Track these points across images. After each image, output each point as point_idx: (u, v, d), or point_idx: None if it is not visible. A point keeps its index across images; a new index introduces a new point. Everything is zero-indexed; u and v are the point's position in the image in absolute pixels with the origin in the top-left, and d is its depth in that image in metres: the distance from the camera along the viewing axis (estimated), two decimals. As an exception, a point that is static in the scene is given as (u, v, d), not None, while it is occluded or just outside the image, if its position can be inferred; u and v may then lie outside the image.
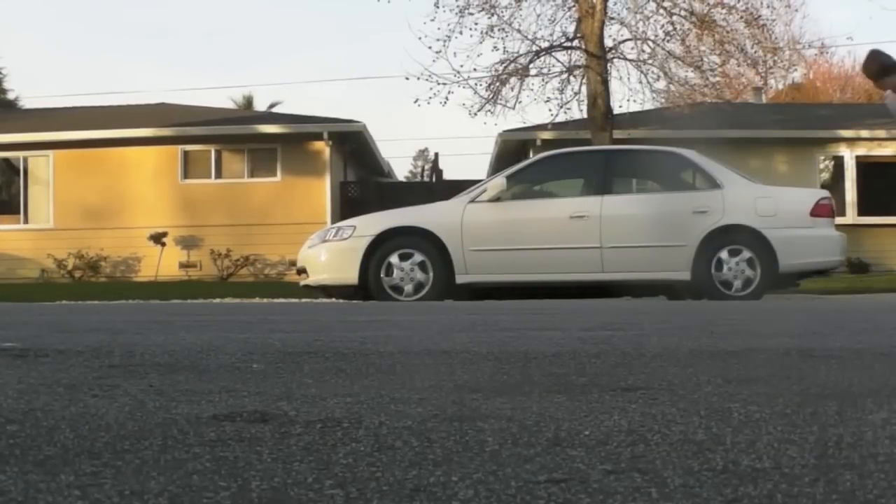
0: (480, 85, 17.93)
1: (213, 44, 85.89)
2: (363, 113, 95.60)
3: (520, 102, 18.59)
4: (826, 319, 5.14)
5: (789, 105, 30.04)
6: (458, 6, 17.62)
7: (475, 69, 18.95)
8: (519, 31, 18.01)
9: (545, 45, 18.17)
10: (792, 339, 3.58)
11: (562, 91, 18.12)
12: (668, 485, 1.23)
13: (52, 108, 25.71)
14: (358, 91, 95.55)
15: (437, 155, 26.52)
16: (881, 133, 20.69)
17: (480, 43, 17.90)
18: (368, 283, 9.07)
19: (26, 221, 20.85)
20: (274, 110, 36.43)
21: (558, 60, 18.36)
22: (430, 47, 17.74)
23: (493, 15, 17.79)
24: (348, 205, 20.83)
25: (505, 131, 20.28)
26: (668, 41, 18.00)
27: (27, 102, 37.13)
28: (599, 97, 17.15)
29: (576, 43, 18.15)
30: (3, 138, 20.79)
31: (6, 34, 65.24)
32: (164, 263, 19.67)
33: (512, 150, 21.18)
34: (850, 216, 19.52)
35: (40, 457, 1.41)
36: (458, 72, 17.72)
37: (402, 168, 59.41)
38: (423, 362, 2.76)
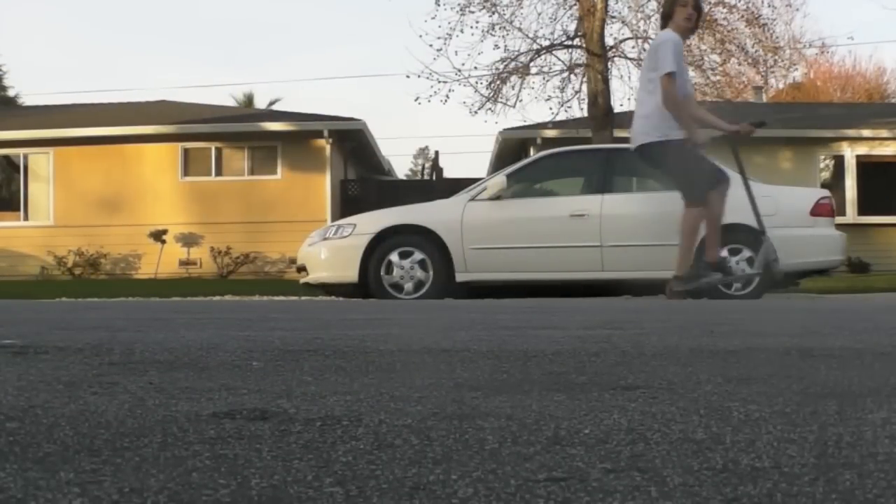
0: (481, 83, 17.97)
1: (215, 42, 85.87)
2: (363, 111, 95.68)
3: (520, 101, 18.66)
4: (826, 319, 5.14)
5: (790, 104, 30.03)
6: (459, 4, 17.65)
7: (476, 67, 18.96)
8: (520, 29, 18.03)
9: (546, 43, 18.19)
10: (792, 338, 3.58)
11: (562, 89, 18.15)
12: (667, 483, 1.23)
13: (53, 105, 25.76)
14: (358, 89, 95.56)
15: (437, 153, 26.55)
16: (883, 132, 20.69)
17: (481, 41, 17.97)
18: (368, 282, 9.07)
19: (26, 218, 20.86)
20: (274, 108, 36.45)
21: (559, 59, 18.39)
22: (430, 45, 17.81)
23: (494, 13, 17.82)
24: (348, 203, 20.85)
25: (505, 130, 20.29)
26: (668, 40, 17.97)
27: (27, 99, 37.24)
28: (600, 96, 17.15)
29: (577, 41, 18.15)
30: (3, 135, 20.79)
31: (6, 31, 65.23)
32: (165, 261, 19.69)
33: (512, 148, 21.20)
34: (851, 215, 19.53)
35: (40, 454, 1.41)
36: (459, 70, 17.76)
37: (402, 166, 59.54)
38: (422, 360, 2.76)
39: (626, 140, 14.78)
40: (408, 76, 18.20)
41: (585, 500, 1.15)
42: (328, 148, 20.70)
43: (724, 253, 8.38)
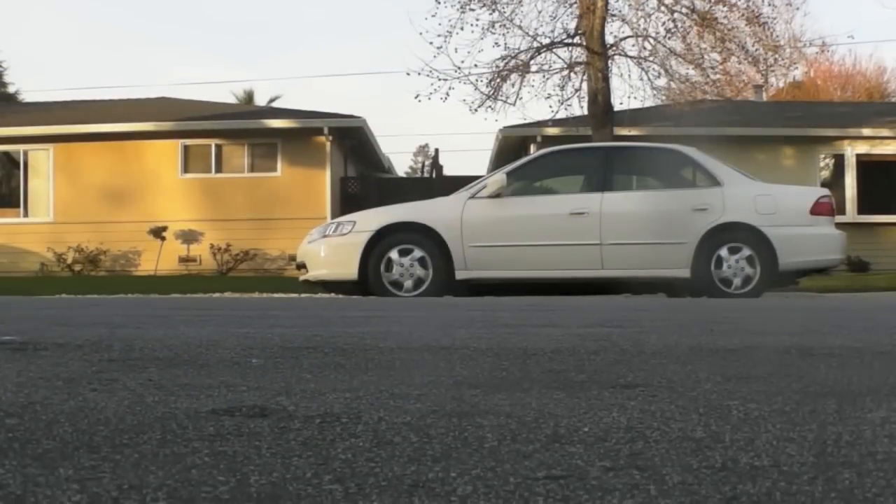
0: (481, 81, 17.94)
1: (215, 39, 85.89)
2: (363, 108, 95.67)
3: (520, 99, 18.58)
4: (825, 318, 5.14)
5: (790, 103, 30.02)
6: (459, 2, 17.61)
7: (476, 65, 18.86)
8: (520, 27, 18.00)
9: (546, 41, 18.16)
10: (791, 337, 3.58)
11: (562, 87, 18.12)
12: (666, 482, 1.23)
13: (53, 101, 25.68)
14: (358, 86, 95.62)
15: (437, 151, 26.50)
16: (883, 131, 20.70)
17: (481, 39, 17.91)
18: (368, 279, 9.07)
19: (26, 215, 20.85)
20: (274, 105, 36.43)
21: (559, 57, 18.37)
22: (431, 43, 17.75)
23: (494, 11, 17.79)
24: (348, 200, 20.83)
25: (505, 127, 20.27)
26: (669, 38, 17.99)
27: (27, 96, 37.08)
28: (600, 94, 17.14)
29: (577, 39, 18.14)
30: (3, 132, 20.78)
31: (7, 27, 65.21)
32: (164, 258, 19.68)
33: (512, 146, 21.19)
34: (851, 214, 19.53)
35: (39, 450, 1.41)
36: (459, 67, 17.72)
37: (402, 164, 59.50)
38: (422, 358, 2.76)
39: (625, 138, 14.67)
40: (408, 74, 18.10)
41: (584, 499, 1.15)
42: (328, 145, 20.68)
43: None
